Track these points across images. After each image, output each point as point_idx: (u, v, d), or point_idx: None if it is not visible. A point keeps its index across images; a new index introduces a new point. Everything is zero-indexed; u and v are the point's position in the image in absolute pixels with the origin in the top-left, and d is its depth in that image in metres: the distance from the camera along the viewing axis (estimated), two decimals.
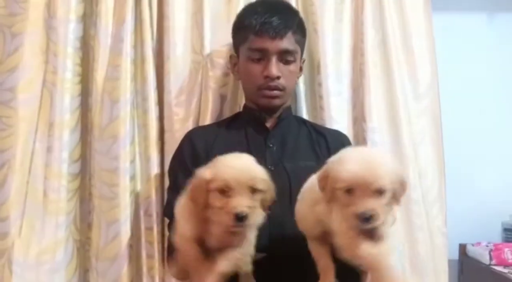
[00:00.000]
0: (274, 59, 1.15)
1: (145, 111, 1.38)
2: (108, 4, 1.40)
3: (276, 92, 1.17)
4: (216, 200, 0.86)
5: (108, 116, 1.34)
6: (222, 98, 1.39)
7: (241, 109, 1.32)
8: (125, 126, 1.33)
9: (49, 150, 1.32)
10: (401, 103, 1.41)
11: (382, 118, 1.41)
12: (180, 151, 1.22)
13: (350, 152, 0.88)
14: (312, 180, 0.95)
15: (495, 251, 1.68)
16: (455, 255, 1.83)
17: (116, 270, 1.30)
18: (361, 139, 1.41)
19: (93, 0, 1.43)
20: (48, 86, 1.35)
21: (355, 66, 1.44)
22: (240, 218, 0.84)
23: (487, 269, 1.66)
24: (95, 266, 1.32)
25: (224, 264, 0.88)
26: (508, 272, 1.59)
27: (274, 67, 1.15)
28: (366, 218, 0.80)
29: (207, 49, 1.39)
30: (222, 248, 0.89)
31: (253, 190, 0.86)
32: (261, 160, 1.10)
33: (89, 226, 1.37)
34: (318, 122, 1.38)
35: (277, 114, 1.23)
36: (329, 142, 1.22)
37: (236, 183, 0.85)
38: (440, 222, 1.44)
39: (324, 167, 0.87)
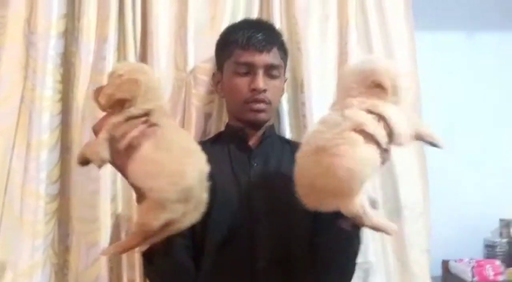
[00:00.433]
0: (261, 73, 1.15)
1: None
2: (91, 19, 1.37)
3: (262, 105, 1.16)
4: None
5: (88, 135, 1.30)
6: (207, 116, 1.37)
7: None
8: None
9: (26, 169, 1.28)
10: None
11: None
12: None
13: None
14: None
15: (477, 267, 1.69)
16: (438, 272, 1.84)
17: None
18: None
19: (75, 15, 1.40)
20: (26, 103, 1.32)
21: None
22: None
23: None
24: None
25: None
26: None
27: (261, 80, 1.14)
28: None
29: (190, 66, 1.38)
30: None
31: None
32: (246, 178, 1.12)
33: (68, 249, 1.33)
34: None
35: (261, 132, 1.22)
36: None
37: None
38: (423, 240, 1.44)
39: None
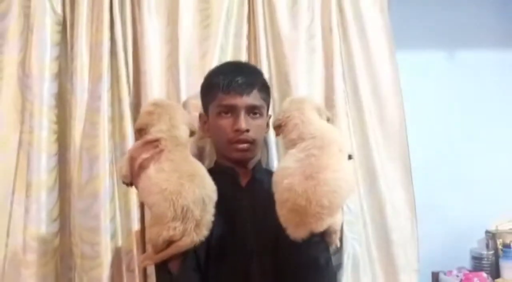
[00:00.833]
0: (242, 114, 1.21)
1: None
2: (84, 60, 1.41)
3: (246, 145, 1.22)
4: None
5: (87, 174, 1.34)
6: (200, 150, 1.42)
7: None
8: (105, 184, 1.33)
9: (27, 210, 1.32)
10: (374, 149, 1.47)
11: (356, 165, 1.47)
12: None
13: None
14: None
15: (465, 280, 1.75)
16: None
17: None
18: None
19: (68, 57, 1.44)
20: (24, 147, 1.35)
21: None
22: None
23: None
24: None
25: None
26: None
27: (243, 121, 1.20)
28: None
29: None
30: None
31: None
32: (239, 217, 1.18)
33: None
34: None
35: (249, 168, 1.28)
36: None
37: None
38: (412, 260, 1.50)
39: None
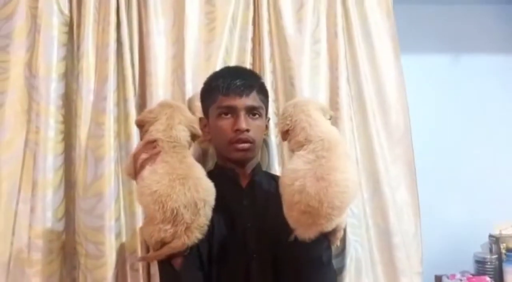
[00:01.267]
0: (242, 114, 1.23)
1: None
2: (90, 61, 1.42)
3: (246, 145, 1.24)
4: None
5: (92, 174, 1.35)
6: (204, 152, 1.43)
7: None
8: (110, 184, 1.34)
9: (33, 209, 1.33)
10: (378, 153, 1.48)
11: (360, 170, 1.47)
12: None
13: None
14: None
15: None
16: None
17: None
18: None
19: (74, 57, 1.45)
20: (30, 146, 1.36)
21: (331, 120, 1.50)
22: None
23: None
24: None
25: None
26: None
27: (243, 121, 1.22)
28: None
29: None
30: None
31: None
32: (239, 217, 1.20)
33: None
34: None
35: (249, 170, 1.29)
36: None
37: None
38: (416, 263, 1.51)
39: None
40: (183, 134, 1.11)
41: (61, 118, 1.40)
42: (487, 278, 1.77)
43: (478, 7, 2.02)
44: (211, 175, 1.31)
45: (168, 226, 1.01)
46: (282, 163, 1.46)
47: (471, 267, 1.94)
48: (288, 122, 1.12)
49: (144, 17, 1.46)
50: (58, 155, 1.38)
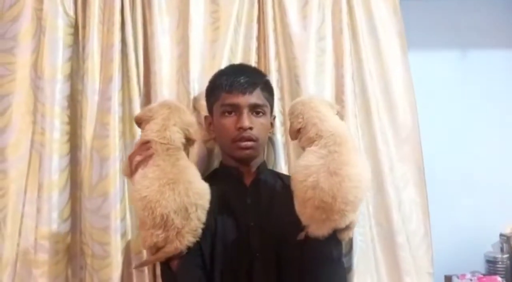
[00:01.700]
0: (245, 112, 1.22)
1: None
2: (95, 61, 1.42)
3: (249, 143, 1.23)
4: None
5: (97, 174, 1.35)
6: (209, 152, 1.42)
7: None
8: (115, 184, 1.34)
9: (39, 211, 1.33)
10: (383, 151, 1.46)
11: None
12: None
13: None
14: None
15: None
16: None
17: None
18: None
19: (80, 58, 1.46)
20: (36, 147, 1.37)
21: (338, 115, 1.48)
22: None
23: None
24: None
25: None
26: None
27: (246, 119, 1.21)
28: None
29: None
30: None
31: None
32: (243, 216, 1.19)
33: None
34: None
35: (254, 169, 1.28)
36: None
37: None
38: (426, 263, 1.48)
39: None
40: (177, 136, 1.10)
41: (66, 119, 1.41)
42: (498, 278, 1.75)
43: (485, 1, 1.99)
44: (215, 173, 1.32)
45: (159, 231, 1.01)
46: (288, 162, 1.45)
47: (481, 267, 1.92)
48: (300, 120, 1.11)
49: (149, 17, 1.45)
50: (64, 156, 1.38)
